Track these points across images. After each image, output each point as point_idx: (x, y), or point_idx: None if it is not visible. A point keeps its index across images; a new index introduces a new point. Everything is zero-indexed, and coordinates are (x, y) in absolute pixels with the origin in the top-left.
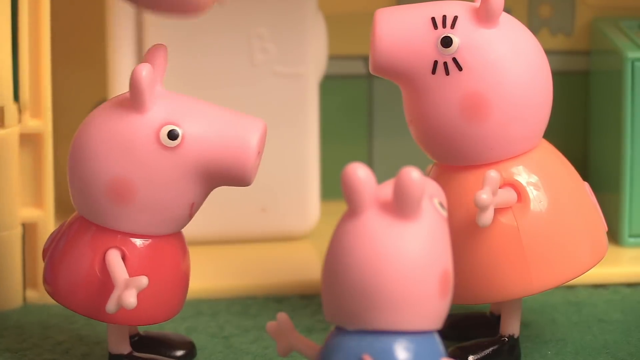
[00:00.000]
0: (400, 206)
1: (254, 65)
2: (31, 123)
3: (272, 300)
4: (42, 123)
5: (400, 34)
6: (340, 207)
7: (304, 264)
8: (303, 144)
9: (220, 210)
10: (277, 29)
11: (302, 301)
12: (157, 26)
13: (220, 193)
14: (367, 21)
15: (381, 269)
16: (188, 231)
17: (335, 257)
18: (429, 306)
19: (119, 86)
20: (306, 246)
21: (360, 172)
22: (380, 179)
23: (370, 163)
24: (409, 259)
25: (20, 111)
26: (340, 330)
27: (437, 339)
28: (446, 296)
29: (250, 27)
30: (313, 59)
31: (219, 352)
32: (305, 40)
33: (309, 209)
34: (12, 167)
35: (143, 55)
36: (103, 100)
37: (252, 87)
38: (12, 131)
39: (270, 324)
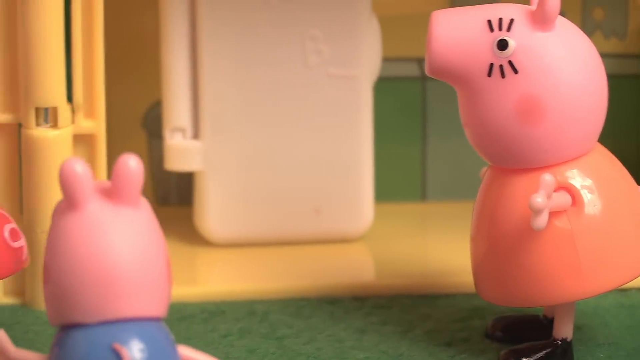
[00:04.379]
0: (121, 194)
1: (307, 67)
2: (84, 123)
3: (325, 302)
4: (96, 123)
5: (456, 36)
6: (395, 209)
7: (357, 266)
8: (357, 146)
9: (274, 211)
10: (331, 31)
11: (355, 303)
12: (212, 29)
13: (275, 195)
14: (421, 23)
15: (119, 257)
16: (242, 232)
17: (65, 253)
18: (164, 290)
19: (173, 89)
20: (360, 248)
21: (77, 166)
22: (434, 180)
23: (424, 165)
24: (142, 244)
25: (73, 112)
26: (74, 327)
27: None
28: (171, 281)
29: (304, 29)
30: (367, 60)
31: (272, 353)
32: (359, 42)
33: (362, 210)
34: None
35: (197, 58)
36: (157, 102)
37: (306, 89)
38: (65, 132)
39: None
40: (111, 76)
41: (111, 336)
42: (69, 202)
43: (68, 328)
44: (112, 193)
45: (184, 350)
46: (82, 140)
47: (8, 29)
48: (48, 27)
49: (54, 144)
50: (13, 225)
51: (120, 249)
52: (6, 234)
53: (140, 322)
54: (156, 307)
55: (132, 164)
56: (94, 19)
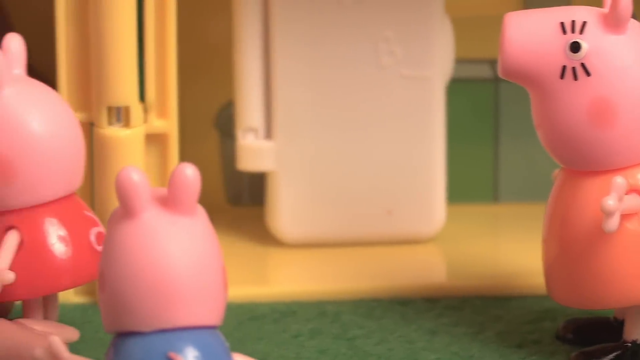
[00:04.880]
0: (178, 202)
1: (380, 68)
2: (157, 123)
3: (397, 303)
4: (168, 123)
5: (529, 38)
6: (467, 211)
7: (429, 267)
8: (429, 147)
9: (346, 212)
10: (403, 32)
11: (427, 304)
12: (284, 30)
13: (347, 195)
14: (493, 24)
15: (175, 265)
16: (314, 233)
17: (120, 262)
18: (220, 299)
19: (245, 89)
20: (431, 249)
21: (134, 175)
22: (506, 181)
23: (496, 166)
24: (198, 252)
25: (145, 111)
26: (130, 335)
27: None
28: (227, 289)
29: (377, 31)
30: (439, 61)
31: (343, 354)
32: (432, 43)
33: (434, 212)
34: (138, 167)
35: (270, 59)
36: (229, 102)
37: (378, 90)
38: (137, 131)
39: (40, 348)
40: (184, 76)
41: (167, 345)
42: (125, 210)
43: (123, 336)
44: (168, 201)
45: (239, 357)
46: (155, 140)
47: (81, 28)
48: (120, 26)
49: (126, 143)
50: (100, 229)
51: (176, 257)
52: (92, 237)
53: (195, 330)
54: (212, 316)
55: (189, 173)
56: (167, 18)
